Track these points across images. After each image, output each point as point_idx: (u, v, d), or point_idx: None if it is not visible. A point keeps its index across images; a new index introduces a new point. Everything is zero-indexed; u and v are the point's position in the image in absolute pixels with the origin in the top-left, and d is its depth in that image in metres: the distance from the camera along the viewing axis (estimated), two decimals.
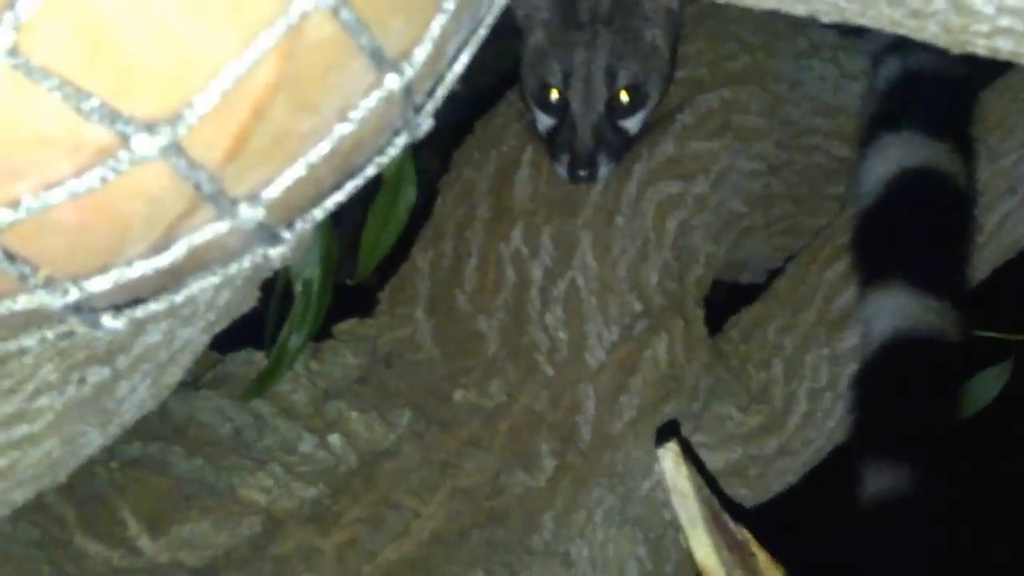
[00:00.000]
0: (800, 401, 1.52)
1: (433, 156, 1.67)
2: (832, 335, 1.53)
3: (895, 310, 1.39)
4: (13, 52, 0.35)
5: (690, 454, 1.34)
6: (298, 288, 1.28)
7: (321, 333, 1.40)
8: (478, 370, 1.41)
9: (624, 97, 1.44)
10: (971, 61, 0.71)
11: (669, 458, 1.28)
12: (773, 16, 1.65)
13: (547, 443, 1.37)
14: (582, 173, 1.42)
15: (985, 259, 1.55)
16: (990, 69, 1.57)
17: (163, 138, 0.38)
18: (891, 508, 1.30)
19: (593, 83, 1.44)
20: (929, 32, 0.67)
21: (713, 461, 1.48)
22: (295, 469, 1.29)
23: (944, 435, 1.36)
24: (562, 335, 1.43)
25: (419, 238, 1.52)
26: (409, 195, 1.35)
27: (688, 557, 1.32)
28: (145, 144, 0.38)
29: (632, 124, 1.46)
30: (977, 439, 1.87)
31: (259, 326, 1.35)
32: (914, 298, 1.39)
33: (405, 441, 1.34)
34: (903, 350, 1.37)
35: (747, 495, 1.50)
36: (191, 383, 1.35)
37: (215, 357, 1.40)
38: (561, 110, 1.45)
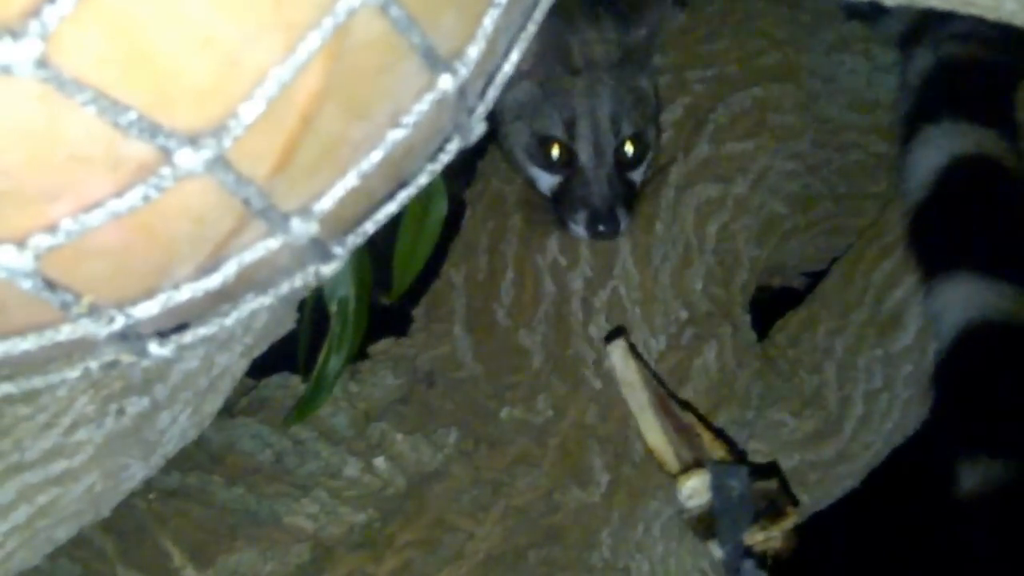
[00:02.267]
0: (856, 404, 1.50)
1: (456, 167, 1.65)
2: (884, 336, 1.50)
3: (966, 300, 1.36)
4: (42, 63, 0.32)
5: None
6: (333, 308, 1.26)
7: (357, 354, 1.39)
8: (523, 386, 1.38)
9: (629, 148, 1.38)
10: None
11: (618, 353, 1.35)
12: (798, 9, 1.64)
13: (599, 457, 1.34)
14: (603, 228, 1.34)
15: None
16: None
17: (208, 152, 0.35)
18: (993, 502, 1.29)
19: (601, 131, 1.37)
20: None
21: None
22: (341, 494, 1.27)
23: None
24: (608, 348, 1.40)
25: (450, 253, 1.49)
26: (440, 208, 1.32)
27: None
28: (189, 159, 0.35)
29: (637, 176, 1.40)
30: None
31: (289, 348, 1.33)
32: (983, 285, 1.36)
33: (453, 461, 1.31)
34: (981, 339, 1.35)
35: (808, 501, 1.47)
36: (226, 410, 1.34)
37: (248, 383, 1.38)
38: (566, 165, 1.37)
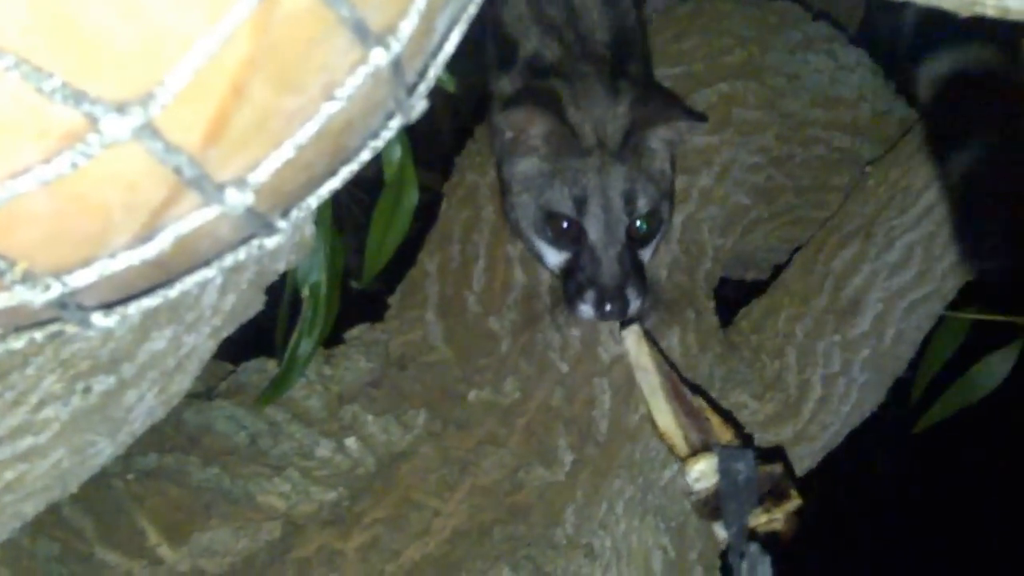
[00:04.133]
0: (814, 387, 1.53)
1: (434, 161, 1.67)
2: (843, 322, 1.54)
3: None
4: None
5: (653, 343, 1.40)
6: (305, 293, 1.27)
7: (333, 340, 1.40)
8: (492, 369, 1.41)
9: (642, 225, 1.33)
10: None
11: (632, 338, 1.37)
12: (765, 10, 1.67)
13: (564, 438, 1.37)
14: (611, 308, 1.29)
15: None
16: None
17: (135, 119, 0.36)
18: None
19: (613, 210, 1.31)
20: None
21: None
22: (313, 474, 1.29)
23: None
24: (574, 331, 1.43)
25: (426, 242, 1.52)
26: (411, 197, 1.32)
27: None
28: (116, 126, 0.36)
29: (647, 253, 1.37)
30: (985, 421, 1.88)
31: (271, 337, 1.34)
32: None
33: (422, 442, 1.34)
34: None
35: None
36: (204, 394, 1.35)
37: (228, 368, 1.40)
38: (575, 242, 1.33)
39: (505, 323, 1.43)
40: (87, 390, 0.90)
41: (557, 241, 1.34)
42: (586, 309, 1.31)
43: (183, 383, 1.03)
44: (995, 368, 1.76)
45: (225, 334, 1.05)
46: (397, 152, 1.27)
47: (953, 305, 1.61)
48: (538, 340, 1.42)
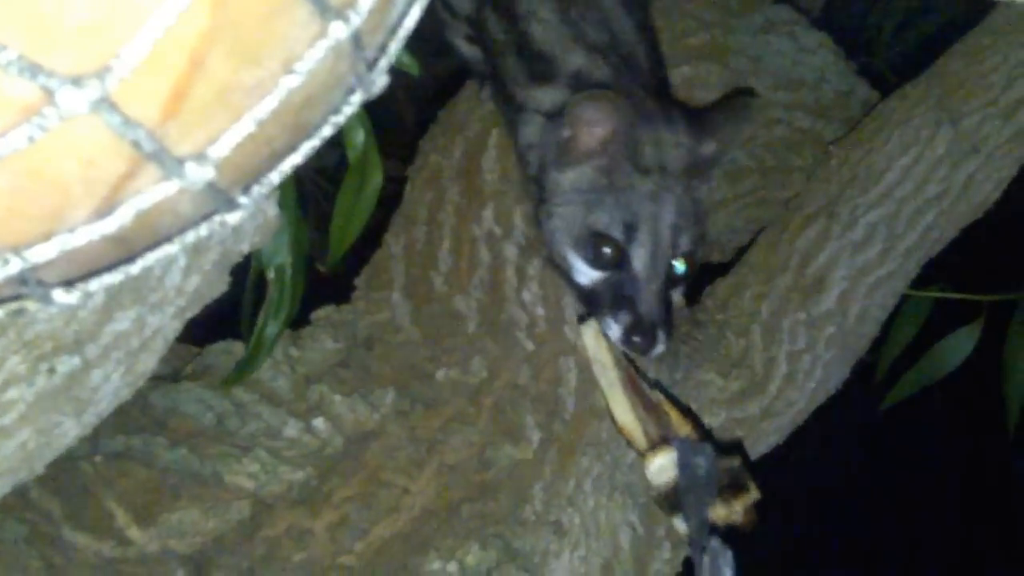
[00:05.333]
0: (780, 364, 1.54)
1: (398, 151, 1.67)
2: (808, 299, 1.55)
3: None
4: None
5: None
6: (271, 275, 1.27)
7: (300, 322, 1.40)
8: (459, 349, 1.41)
9: (680, 265, 1.31)
10: None
11: (590, 333, 1.35)
12: None
13: (532, 416, 1.38)
14: (639, 341, 1.27)
15: (953, 219, 1.57)
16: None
17: (92, 92, 0.36)
18: None
19: (661, 243, 1.28)
20: None
21: None
22: (281, 454, 1.29)
23: None
24: (540, 310, 1.43)
25: (391, 224, 1.53)
26: (376, 179, 1.31)
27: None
28: (73, 99, 0.36)
29: (677, 296, 1.34)
30: (949, 398, 1.91)
31: (237, 319, 1.34)
32: None
33: (390, 421, 1.35)
34: None
35: None
36: (171, 376, 1.35)
37: (194, 351, 1.39)
38: (615, 266, 1.29)
39: (472, 302, 1.44)
40: (51, 371, 0.89)
41: (596, 261, 1.30)
42: (615, 329, 1.29)
43: (148, 364, 1.03)
44: (959, 346, 1.78)
45: (190, 315, 1.05)
46: (360, 135, 1.27)
47: (916, 284, 1.64)
48: (504, 319, 1.43)
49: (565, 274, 1.35)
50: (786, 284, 1.55)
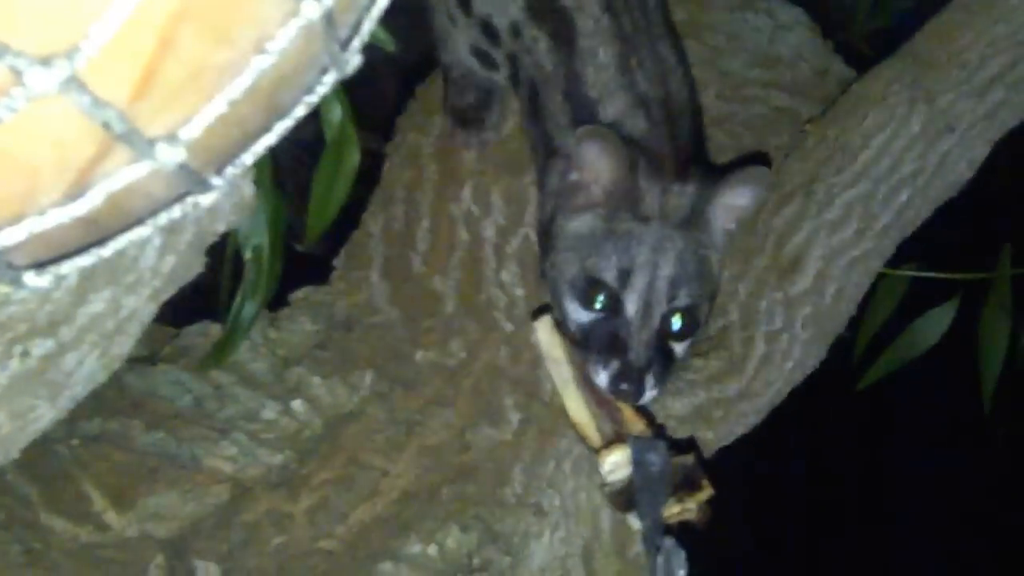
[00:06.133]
0: (757, 345, 1.54)
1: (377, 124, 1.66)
2: (785, 279, 1.55)
3: None
4: None
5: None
6: (248, 255, 1.26)
7: (277, 303, 1.39)
8: (438, 329, 1.41)
9: (677, 320, 1.28)
10: None
11: (544, 328, 1.34)
12: None
13: (511, 397, 1.39)
14: (625, 388, 1.24)
15: (928, 198, 1.57)
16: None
17: (60, 72, 0.35)
18: None
19: (655, 292, 1.26)
20: None
21: (678, 407, 1.49)
22: (259, 436, 1.29)
23: None
24: (519, 291, 1.43)
25: (369, 204, 1.52)
26: (353, 157, 1.30)
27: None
28: (41, 79, 0.35)
29: (680, 349, 1.31)
30: (925, 376, 1.91)
31: (214, 301, 1.34)
32: None
33: (369, 403, 1.35)
34: None
35: (712, 438, 1.51)
36: (148, 359, 1.34)
37: (171, 332, 1.38)
38: (609, 311, 1.27)
39: (450, 283, 1.44)
40: (25, 354, 0.89)
41: (589, 305, 1.27)
42: (603, 376, 1.26)
43: (124, 346, 1.02)
44: (935, 324, 1.79)
45: (165, 297, 1.03)
46: (338, 113, 1.26)
47: (892, 263, 1.64)
48: (483, 299, 1.43)
49: (562, 318, 1.32)
50: (763, 263, 1.55)
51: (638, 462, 1.26)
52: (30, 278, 0.45)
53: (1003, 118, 1.55)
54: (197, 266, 1.04)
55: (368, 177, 1.46)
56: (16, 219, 0.41)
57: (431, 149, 1.51)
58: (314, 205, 1.32)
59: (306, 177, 1.35)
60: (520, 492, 1.34)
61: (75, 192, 0.42)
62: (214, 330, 1.37)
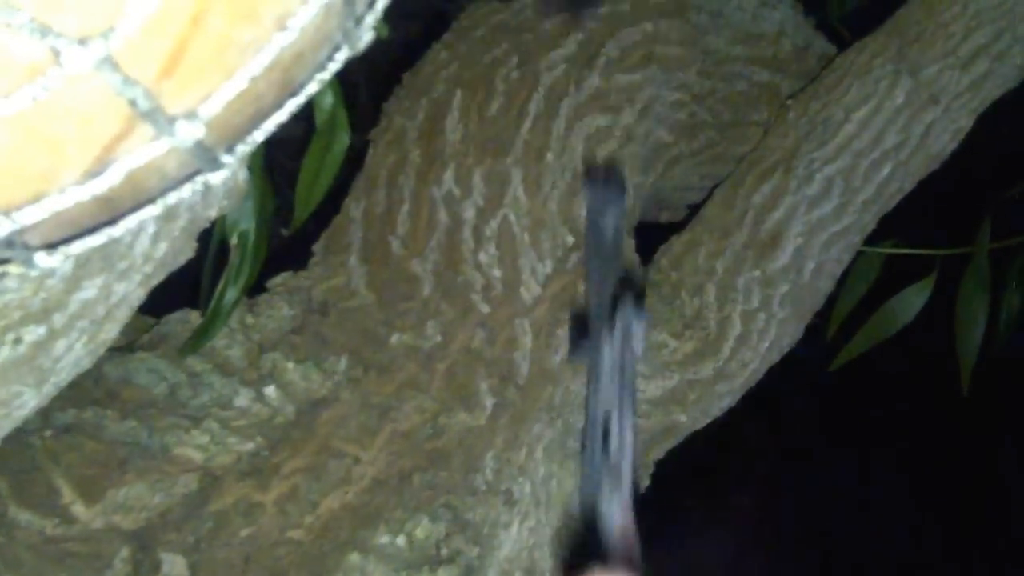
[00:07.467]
0: (734, 324, 1.54)
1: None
2: (763, 257, 1.55)
3: None
4: None
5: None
6: (233, 241, 1.25)
7: (258, 290, 1.39)
8: (413, 313, 1.39)
9: None
10: None
11: None
12: None
13: (486, 381, 1.37)
14: None
15: (911, 171, 1.58)
16: None
17: (97, 52, 0.35)
18: None
19: None
20: None
21: (652, 389, 1.49)
22: (231, 424, 1.26)
23: None
24: (496, 272, 1.42)
25: (352, 188, 1.50)
26: (342, 141, 1.30)
27: None
28: (77, 59, 0.35)
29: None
30: (902, 352, 1.93)
31: (192, 291, 1.33)
32: None
33: (342, 388, 1.32)
34: None
35: (686, 421, 1.51)
36: (127, 348, 1.33)
37: (150, 322, 1.38)
38: None
39: (428, 265, 1.42)
40: (18, 341, 0.88)
41: None
42: None
43: (111, 332, 1.01)
44: (911, 301, 1.80)
45: (155, 282, 1.03)
46: (329, 98, 1.26)
47: (868, 240, 1.65)
48: (460, 282, 1.41)
49: None
50: (741, 241, 1.55)
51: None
52: (41, 258, 0.45)
53: (988, 89, 1.56)
54: (188, 252, 1.04)
55: (355, 162, 1.46)
56: (37, 198, 0.41)
57: (415, 133, 1.50)
58: (302, 187, 1.31)
59: (294, 161, 1.35)
60: (491, 479, 1.32)
61: (96, 170, 0.41)
62: (194, 318, 1.34)
